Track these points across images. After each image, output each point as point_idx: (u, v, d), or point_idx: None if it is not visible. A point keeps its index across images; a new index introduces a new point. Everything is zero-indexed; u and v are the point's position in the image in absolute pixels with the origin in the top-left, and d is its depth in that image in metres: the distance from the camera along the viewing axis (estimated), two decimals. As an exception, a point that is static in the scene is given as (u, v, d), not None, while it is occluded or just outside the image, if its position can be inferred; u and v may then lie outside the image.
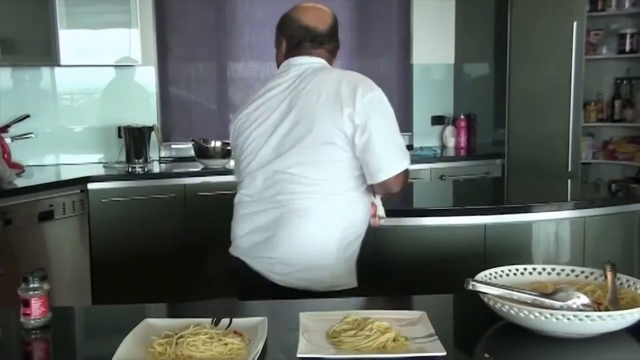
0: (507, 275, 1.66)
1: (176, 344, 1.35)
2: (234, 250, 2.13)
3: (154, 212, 3.95)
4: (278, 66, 2.19)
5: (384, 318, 1.46)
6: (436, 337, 1.39)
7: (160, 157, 4.54)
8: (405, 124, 5.20)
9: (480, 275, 1.60)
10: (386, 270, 2.94)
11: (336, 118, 1.95)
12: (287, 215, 1.99)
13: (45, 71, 4.34)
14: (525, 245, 3.06)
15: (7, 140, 3.91)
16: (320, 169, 1.99)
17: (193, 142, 4.34)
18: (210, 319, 1.49)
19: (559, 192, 3.70)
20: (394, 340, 1.38)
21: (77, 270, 3.74)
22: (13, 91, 4.27)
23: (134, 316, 1.55)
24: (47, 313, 1.57)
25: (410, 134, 5.19)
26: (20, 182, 3.62)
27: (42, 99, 4.36)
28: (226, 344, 1.36)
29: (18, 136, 4.05)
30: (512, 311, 1.42)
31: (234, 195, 2.13)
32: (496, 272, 1.65)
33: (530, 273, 1.68)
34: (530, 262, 3.04)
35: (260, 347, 1.34)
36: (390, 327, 1.41)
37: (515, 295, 1.48)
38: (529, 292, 1.51)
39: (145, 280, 3.86)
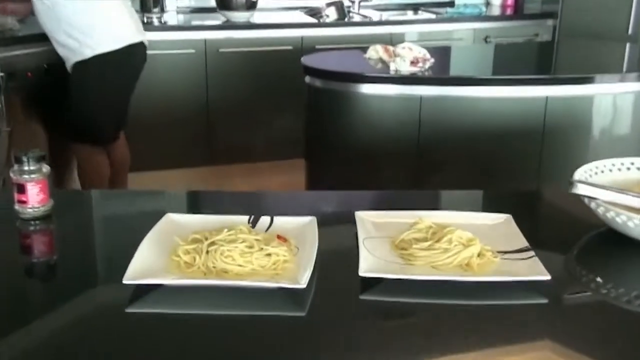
0: (610, 170, 1.35)
1: (207, 252, 1.07)
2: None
3: (170, 70, 3.62)
4: None
5: (461, 224, 1.17)
6: (533, 252, 1.10)
7: (177, 7, 4.13)
8: (447, -23, 4.70)
9: (580, 172, 1.29)
10: (429, 145, 2.65)
11: None
12: None
13: None
14: (585, 119, 2.74)
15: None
16: None
17: (214, -10, 3.91)
18: (246, 217, 1.20)
19: (616, 59, 3.33)
20: (478, 256, 1.10)
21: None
22: None
23: (151, 204, 1.28)
24: (48, 200, 1.29)
25: (452, -12, 4.71)
26: (23, 30, 3.25)
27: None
28: (269, 255, 1.07)
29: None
30: (629, 223, 1.12)
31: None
32: (597, 167, 1.34)
33: (638, 168, 1.36)
34: (588, 138, 2.75)
35: (312, 262, 1.05)
36: (475, 239, 1.11)
37: (630, 200, 1.17)
38: (647, 196, 1.20)
39: (161, 143, 3.60)
